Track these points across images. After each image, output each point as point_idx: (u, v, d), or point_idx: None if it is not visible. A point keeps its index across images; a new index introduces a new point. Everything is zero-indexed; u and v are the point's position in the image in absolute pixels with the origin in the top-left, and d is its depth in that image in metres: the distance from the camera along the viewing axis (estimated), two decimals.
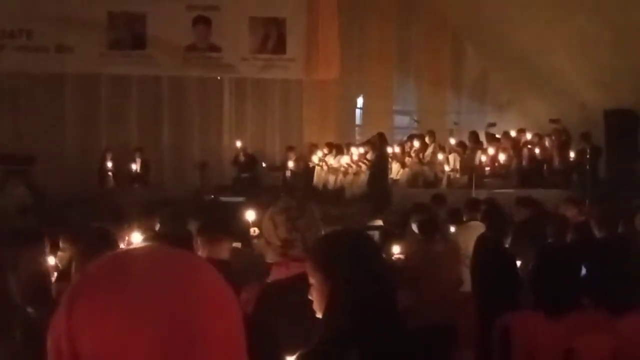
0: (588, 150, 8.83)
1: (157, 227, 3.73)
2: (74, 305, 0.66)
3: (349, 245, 1.65)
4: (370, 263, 1.60)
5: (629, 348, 2.30)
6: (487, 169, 9.03)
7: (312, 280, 1.59)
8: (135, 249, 0.83)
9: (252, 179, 9.31)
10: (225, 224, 3.16)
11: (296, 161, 9.39)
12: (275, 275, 2.02)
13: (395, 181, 9.03)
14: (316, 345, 1.51)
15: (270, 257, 2.05)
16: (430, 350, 1.76)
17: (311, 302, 1.58)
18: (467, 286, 4.18)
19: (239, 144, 9.77)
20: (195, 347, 0.66)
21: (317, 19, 10.14)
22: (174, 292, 0.66)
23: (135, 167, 9.07)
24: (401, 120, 11.46)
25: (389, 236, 4.86)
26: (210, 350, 0.67)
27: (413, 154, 9.34)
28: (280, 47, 10.07)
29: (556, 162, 9.32)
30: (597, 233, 3.91)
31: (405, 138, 10.23)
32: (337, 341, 1.50)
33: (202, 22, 9.65)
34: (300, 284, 1.68)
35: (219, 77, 10.11)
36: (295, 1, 10.07)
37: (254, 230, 3.42)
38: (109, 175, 8.90)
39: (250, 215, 3.58)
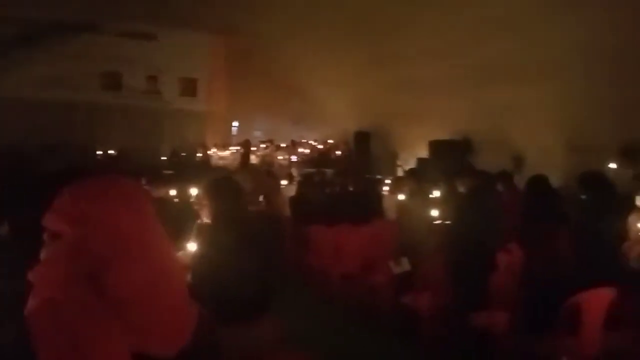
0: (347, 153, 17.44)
1: None
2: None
3: (221, 183, 3.40)
4: (231, 191, 3.35)
5: (368, 241, 6.40)
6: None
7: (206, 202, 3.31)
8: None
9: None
10: None
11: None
12: None
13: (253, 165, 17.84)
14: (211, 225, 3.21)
15: None
16: (265, 236, 3.60)
17: None
18: None
19: None
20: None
21: (212, 79, 18.88)
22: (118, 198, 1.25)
23: None
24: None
25: None
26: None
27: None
28: (194, 92, 18.68)
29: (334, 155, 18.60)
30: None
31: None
32: (216, 227, 3.16)
33: (153, 79, 17.94)
34: None
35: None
36: (203, 69, 18.66)
37: None
38: None
39: None
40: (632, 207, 4.69)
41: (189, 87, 18.45)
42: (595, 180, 4.68)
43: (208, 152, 17.33)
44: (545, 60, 10.23)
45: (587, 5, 9.06)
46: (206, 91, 18.59)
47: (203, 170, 13.38)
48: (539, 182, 5.24)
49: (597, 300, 3.49)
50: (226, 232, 3.09)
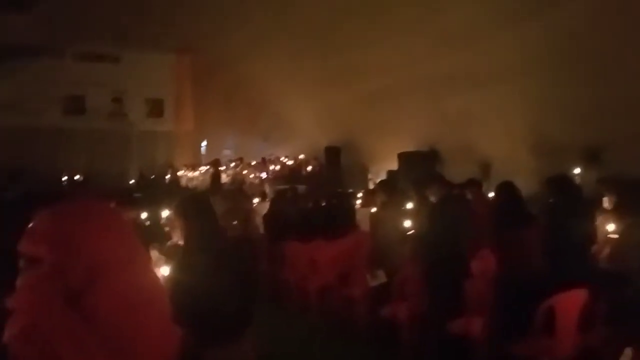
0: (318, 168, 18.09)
1: None
2: None
3: (192, 201, 3.33)
4: (203, 209, 3.16)
5: (343, 254, 6.66)
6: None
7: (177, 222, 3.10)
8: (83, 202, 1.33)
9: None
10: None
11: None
12: None
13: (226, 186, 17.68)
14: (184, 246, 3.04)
15: None
16: (240, 254, 3.35)
17: None
18: None
19: None
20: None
21: (178, 98, 18.80)
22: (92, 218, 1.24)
23: None
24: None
25: None
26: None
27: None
28: (160, 112, 18.50)
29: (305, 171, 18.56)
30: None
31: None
32: (190, 247, 3.01)
33: (118, 101, 17.72)
34: None
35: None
36: (169, 89, 18.55)
37: None
38: None
39: None
40: (599, 209, 4.82)
41: (156, 108, 18.30)
42: (563, 184, 4.79)
43: (177, 173, 17.13)
44: (506, 67, 10.49)
45: (545, 12, 9.35)
46: (173, 111, 18.46)
47: (173, 191, 13.21)
48: (506, 188, 5.34)
49: (571, 302, 3.56)
50: (201, 252, 3.00)
